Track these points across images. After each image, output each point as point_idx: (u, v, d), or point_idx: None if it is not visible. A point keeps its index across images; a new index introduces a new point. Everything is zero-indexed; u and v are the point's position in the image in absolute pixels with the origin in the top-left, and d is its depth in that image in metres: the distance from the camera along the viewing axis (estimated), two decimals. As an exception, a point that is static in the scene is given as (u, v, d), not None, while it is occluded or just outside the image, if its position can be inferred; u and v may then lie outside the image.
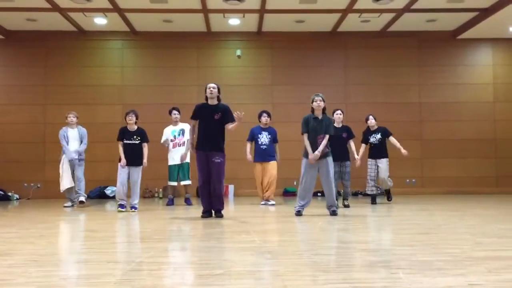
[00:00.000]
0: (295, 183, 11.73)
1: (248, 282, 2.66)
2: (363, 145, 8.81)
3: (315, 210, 7.21)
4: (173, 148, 8.78)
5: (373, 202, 8.77)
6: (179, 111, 8.93)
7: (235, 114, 6.29)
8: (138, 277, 2.81)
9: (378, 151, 8.73)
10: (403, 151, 8.60)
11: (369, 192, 8.79)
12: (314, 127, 6.49)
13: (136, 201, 7.63)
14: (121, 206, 7.59)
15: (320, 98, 6.53)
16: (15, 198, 11.23)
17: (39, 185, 11.67)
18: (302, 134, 6.60)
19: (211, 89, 6.44)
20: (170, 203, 8.83)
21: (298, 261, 3.28)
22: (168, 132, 8.87)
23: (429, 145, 12.27)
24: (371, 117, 8.87)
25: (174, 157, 8.68)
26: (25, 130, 11.80)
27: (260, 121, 8.88)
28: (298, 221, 5.96)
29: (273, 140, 8.82)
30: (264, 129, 8.83)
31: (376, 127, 8.85)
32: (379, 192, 8.82)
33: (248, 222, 5.95)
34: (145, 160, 7.71)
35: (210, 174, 6.35)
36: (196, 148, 6.46)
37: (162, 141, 8.90)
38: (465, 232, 4.71)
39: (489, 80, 12.49)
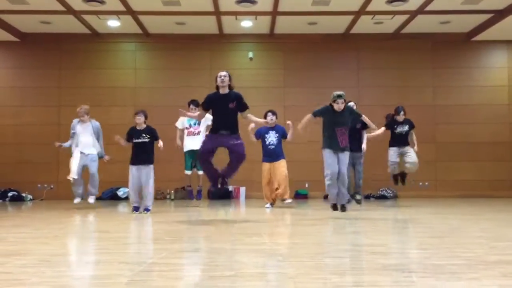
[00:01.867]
0: (306, 185, 11.70)
1: (259, 284, 2.65)
2: (383, 129, 8.56)
3: (326, 213, 7.16)
4: (187, 136, 8.79)
5: (396, 183, 8.79)
6: (197, 106, 8.68)
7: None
8: (149, 278, 2.82)
9: (404, 140, 8.69)
10: (416, 148, 8.73)
11: (391, 172, 8.78)
12: (333, 120, 6.44)
13: (149, 203, 7.47)
14: (135, 208, 7.52)
15: (342, 100, 6.45)
16: (28, 199, 11.34)
17: (52, 186, 11.77)
18: (312, 114, 6.54)
19: (222, 77, 6.14)
20: (191, 196, 8.82)
21: (309, 263, 3.26)
22: (184, 119, 8.84)
23: (443, 148, 12.15)
24: (402, 112, 8.73)
25: (187, 144, 8.70)
26: (39, 132, 11.91)
27: (266, 122, 8.75)
28: (310, 224, 5.94)
29: (283, 136, 8.61)
30: (271, 128, 8.61)
31: (403, 120, 8.81)
32: (395, 173, 8.80)
33: (259, 224, 5.94)
34: (160, 143, 7.54)
35: (214, 151, 6.13)
36: (209, 132, 6.30)
37: (177, 124, 8.87)
38: (479, 236, 4.65)
39: (505, 83, 12.35)
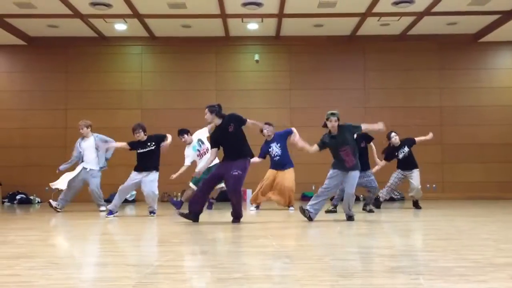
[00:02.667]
0: (313, 187, 11.67)
1: (266, 287, 2.65)
2: (385, 162, 8.48)
3: (333, 215, 7.15)
4: (200, 159, 8.76)
5: (378, 207, 8.55)
6: (183, 134, 8.67)
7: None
8: (156, 281, 2.82)
9: (408, 163, 8.57)
10: (430, 136, 8.64)
11: (381, 196, 8.60)
12: (333, 143, 6.35)
13: (154, 206, 7.55)
14: (111, 212, 7.43)
15: (336, 118, 6.32)
16: (36, 202, 11.40)
17: (60, 189, 11.79)
18: (317, 145, 6.48)
19: (205, 116, 6.31)
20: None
21: (316, 265, 3.25)
22: (191, 151, 8.82)
23: (450, 149, 12.10)
24: (393, 134, 8.48)
25: (200, 164, 8.65)
26: (47, 135, 11.98)
27: (264, 135, 8.59)
28: (316, 226, 5.93)
29: (285, 138, 8.40)
30: (271, 141, 8.54)
31: (399, 142, 8.57)
32: (386, 199, 8.80)
33: (266, 227, 5.93)
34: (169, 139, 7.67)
35: (216, 182, 6.42)
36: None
37: (188, 163, 8.84)
38: (487, 238, 4.62)
39: (512, 84, 12.29)
